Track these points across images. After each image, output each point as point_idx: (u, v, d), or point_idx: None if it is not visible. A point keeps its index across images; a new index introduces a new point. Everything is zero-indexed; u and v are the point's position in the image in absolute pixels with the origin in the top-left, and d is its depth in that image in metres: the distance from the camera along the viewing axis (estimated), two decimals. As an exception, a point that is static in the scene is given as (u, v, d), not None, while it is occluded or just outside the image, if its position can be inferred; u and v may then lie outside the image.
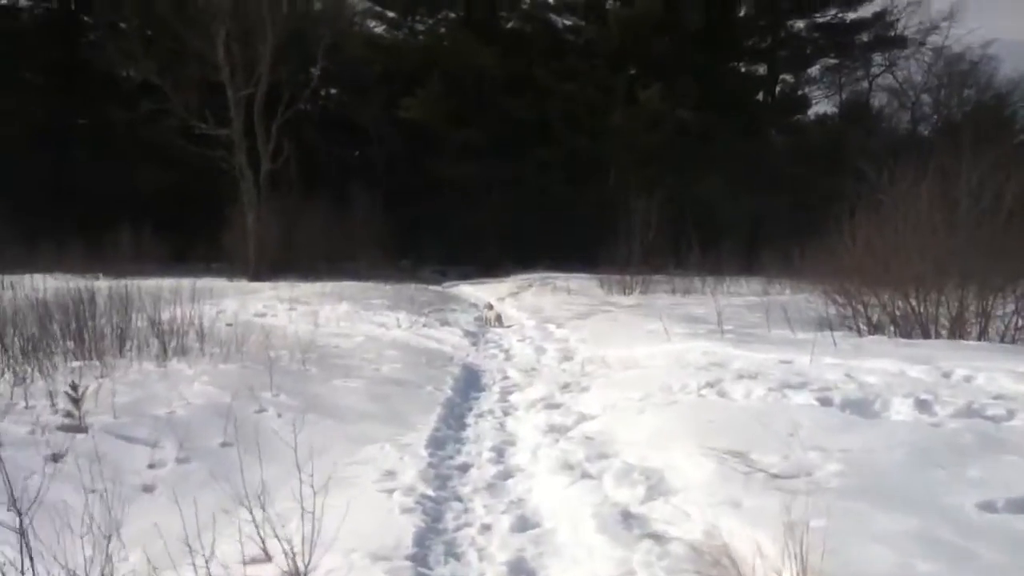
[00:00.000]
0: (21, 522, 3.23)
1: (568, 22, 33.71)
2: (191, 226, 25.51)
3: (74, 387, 5.80)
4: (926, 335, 9.56)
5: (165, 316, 9.17)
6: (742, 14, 33.50)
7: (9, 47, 27.25)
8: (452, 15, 33.89)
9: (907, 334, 9.71)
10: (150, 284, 12.17)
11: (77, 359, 7.97)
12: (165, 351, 8.31)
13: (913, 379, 6.62)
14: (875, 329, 10.20)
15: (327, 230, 25.33)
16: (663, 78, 28.33)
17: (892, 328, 10.02)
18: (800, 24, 34.45)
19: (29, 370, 7.19)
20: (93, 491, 4.30)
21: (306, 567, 3.63)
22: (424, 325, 12.72)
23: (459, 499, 4.85)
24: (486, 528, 4.37)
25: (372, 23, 35.22)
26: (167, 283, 13.12)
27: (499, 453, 5.81)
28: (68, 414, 5.80)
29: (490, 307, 15.08)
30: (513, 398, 7.78)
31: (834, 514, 3.81)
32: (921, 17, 35.36)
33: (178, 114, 24.44)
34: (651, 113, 27.96)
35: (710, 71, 29.82)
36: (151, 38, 26.45)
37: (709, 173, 26.81)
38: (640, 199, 20.07)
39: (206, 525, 3.71)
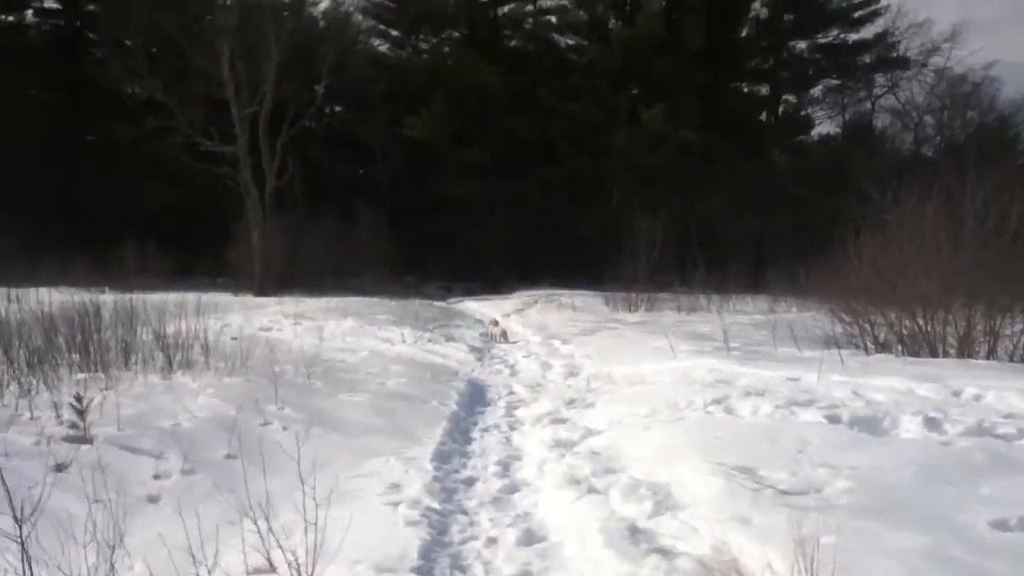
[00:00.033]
0: (21, 531, 3.22)
1: (571, 42, 34.04)
2: (196, 241, 25.60)
3: (78, 399, 5.78)
4: (934, 354, 9.51)
5: (170, 330, 9.16)
6: (744, 35, 33.65)
7: (16, 64, 27.47)
8: (456, 34, 34.13)
9: (915, 353, 9.66)
10: (155, 298, 12.17)
11: (82, 371, 7.96)
12: (170, 364, 8.29)
13: (922, 397, 6.57)
14: (882, 348, 10.15)
15: (332, 246, 25.37)
16: (666, 98, 28.48)
17: (899, 347, 9.98)
18: (802, 45, 34.76)
19: (34, 382, 7.19)
20: (97, 501, 4.29)
21: (310, 578, 3.60)
22: (429, 340, 12.71)
23: (465, 512, 4.81)
24: (492, 541, 4.33)
25: (376, 42, 35.59)
26: (172, 297, 13.13)
27: (505, 467, 5.78)
28: (73, 425, 5.78)
29: (495, 323, 15.08)
30: (519, 413, 7.75)
31: (844, 531, 3.77)
32: (923, 39, 35.57)
33: (183, 131, 24.58)
34: (654, 133, 28.07)
35: (713, 91, 29.96)
36: (156, 56, 26.67)
37: (713, 193, 26.86)
38: (644, 218, 20.08)
39: (210, 536, 3.68)
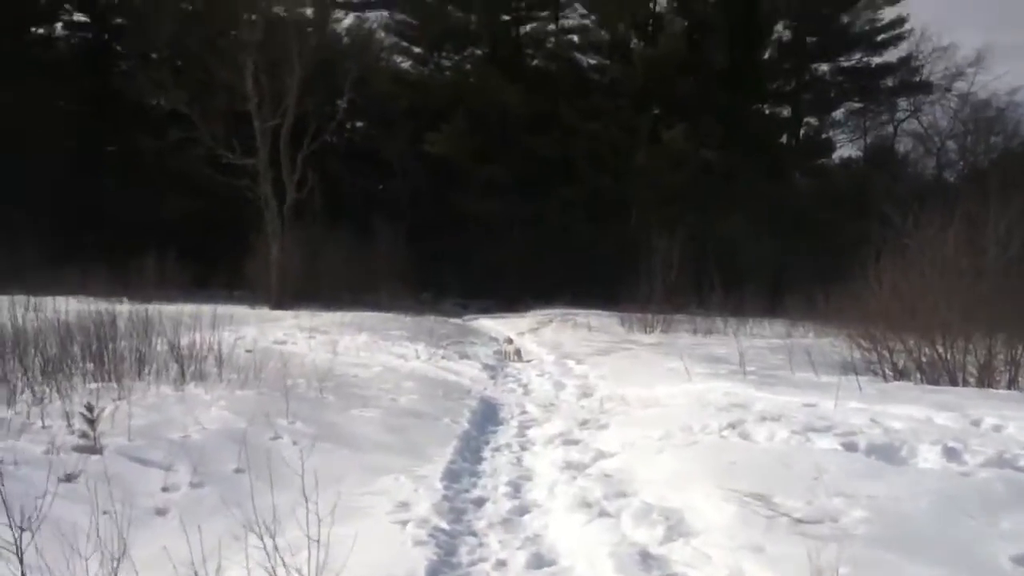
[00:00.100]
0: (19, 541, 3.19)
1: (593, 61, 34.04)
2: (215, 253, 25.69)
3: (89, 408, 5.77)
4: (953, 382, 9.38)
5: (185, 341, 9.16)
6: (766, 57, 33.60)
7: (45, 76, 27.79)
8: (478, 52, 34.19)
9: (934, 381, 9.53)
10: (171, 309, 12.22)
11: (96, 381, 7.97)
12: (183, 375, 8.29)
13: (940, 426, 6.45)
14: (901, 375, 10.02)
15: (350, 261, 25.41)
16: (687, 118, 28.42)
17: (918, 374, 9.85)
18: (824, 67, 34.62)
19: (48, 390, 7.20)
20: (105, 512, 4.27)
21: (315, 597, 3.55)
22: (443, 357, 12.68)
23: (474, 533, 4.74)
24: (501, 564, 4.26)
25: (399, 58, 35.67)
26: (188, 309, 13.18)
27: (515, 488, 5.71)
28: (83, 435, 5.77)
29: (510, 341, 15.05)
30: (531, 433, 7.68)
31: (862, 562, 3.71)
32: (947, 63, 35.36)
33: (205, 143, 24.73)
34: (675, 153, 28.01)
35: (734, 112, 29.88)
36: (181, 69, 26.94)
37: (732, 213, 26.72)
38: (662, 238, 20.00)
39: (215, 551, 3.65)
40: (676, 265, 19.80)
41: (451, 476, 5.91)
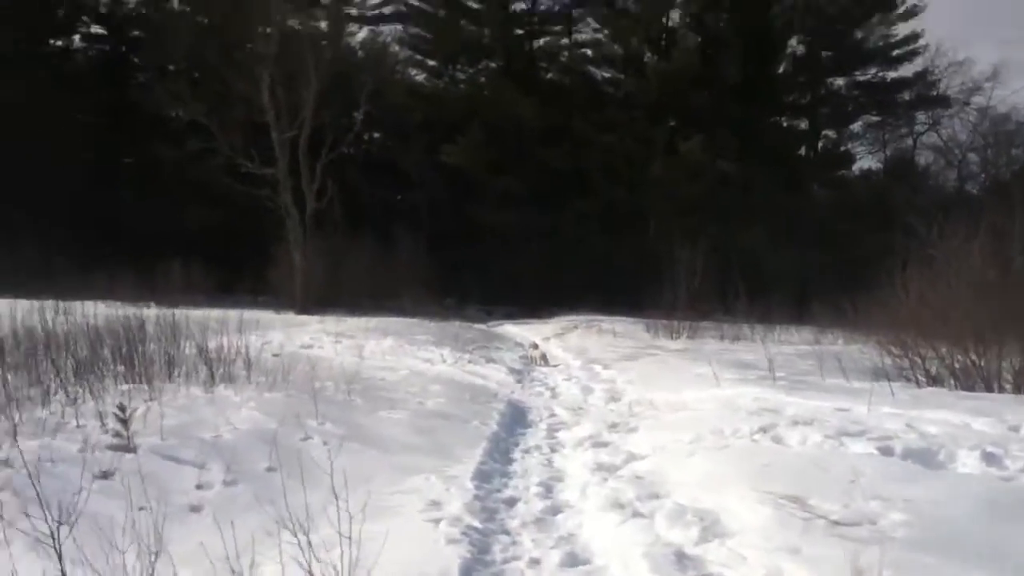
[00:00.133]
0: (57, 534, 3.23)
1: (607, 75, 34.11)
2: (238, 260, 25.89)
3: (122, 408, 5.82)
4: (988, 389, 9.24)
5: (212, 345, 9.22)
6: (781, 71, 33.47)
7: (64, 88, 28.20)
8: (492, 65, 34.31)
9: (968, 387, 9.38)
10: (198, 314, 12.28)
11: (127, 382, 8.04)
12: (212, 378, 8.34)
13: (978, 431, 6.35)
14: (934, 381, 9.88)
15: (372, 268, 25.53)
16: (703, 130, 28.39)
17: (952, 381, 9.71)
18: (840, 82, 34.45)
19: (80, 391, 7.27)
20: (141, 508, 4.30)
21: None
22: (469, 361, 12.66)
23: (506, 532, 4.72)
24: (535, 562, 4.23)
25: (413, 71, 35.87)
26: (215, 313, 13.24)
27: (547, 488, 5.68)
28: (117, 434, 5.82)
29: (535, 346, 14.99)
30: (560, 435, 7.64)
31: (901, 565, 3.65)
32: (963, 77, 35.23)
33: (224, 153, 24.94)
34: (692, 164, 28.00)
35: (750, 124, 29.85)
36: (198, 81, 27.23)
37: (752, 224, 26.69)
38: (684, 248, 19.91)
39: (249, 547, 3.66)
40: (699, 273, 19.67)
41: (482, 476, 5.89)
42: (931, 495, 4.69)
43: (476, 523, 4.74)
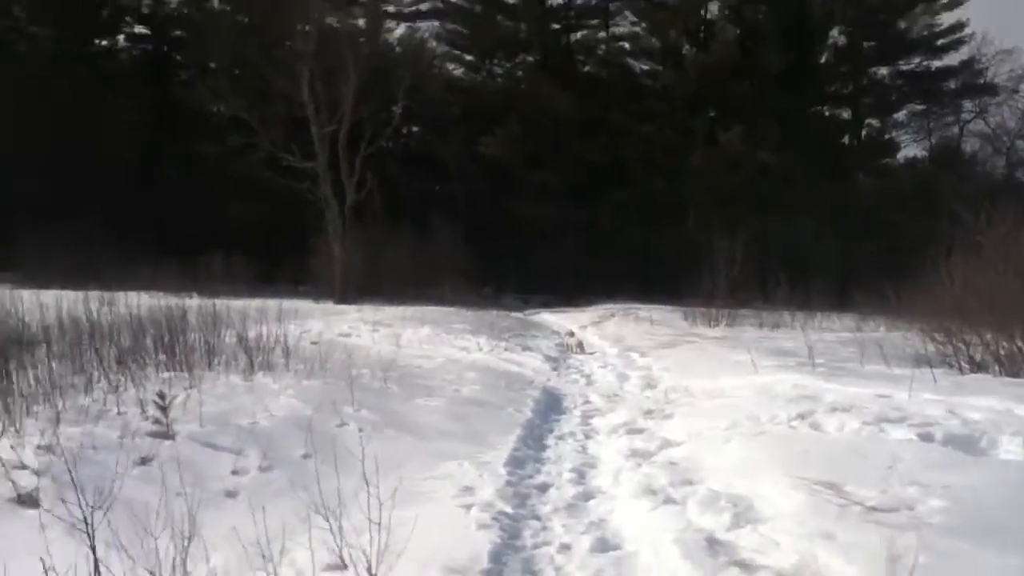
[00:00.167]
0: (91, 519, 3.29)
1: (645, 67, 33.84)
2: (278, 252, 26.25)
3: (161, 396, 5.93)
4: (1034, 375, 9.02)
5: (252, 334, 9.34)
6: (823, 61, 32.95)
7: (109, 87, 28.75)
8: (529, 59, 34.27)
9: (1013, 374, 9.16)
10: (239, 304, 12.45)
11: (168, 371, 8.18)
12: (252, 366, 8.46)
13: (1021, 417, 6.21)
14: (978, 368, 9.66)
15: (411, 258, 25.69)
16: (743, 120, 28.06)
17: (996, 367, 9.49)
18: (884, 71, 33.84)
19: (122, 379, 7.41)
20: (177, 494, 4.38)
21: (381, 576, 3.57)
22: (505, 349, 12.69)
23: (538, 518, 4.73)
24: (565, 547, 4.23)
25: (451, 66, 36.04)
26: (255, 303, 13.40)
27: (580, 475, 5.67)
28: (156, 421, 5.93)
29: (571, 334, 14.96)
30: (594, 422, 7.62)
31: (937, 551, 3.59)
32: (1011, 65, 34.26)
33: (265, 148, 25.24)
34: (732, 154, 27.70)
35: (791, 114, 29.44)
36: (239, 78, 27.53)
37: (795, 213, 26.35)
38: (723, 238, 19.70)
39: (283, 532, 3.70)
40: (739, 262, 19.45)
41: (515, 462, 5.90)
42: (971, 481, 4.60)
43: (508, 508, 4.75)
